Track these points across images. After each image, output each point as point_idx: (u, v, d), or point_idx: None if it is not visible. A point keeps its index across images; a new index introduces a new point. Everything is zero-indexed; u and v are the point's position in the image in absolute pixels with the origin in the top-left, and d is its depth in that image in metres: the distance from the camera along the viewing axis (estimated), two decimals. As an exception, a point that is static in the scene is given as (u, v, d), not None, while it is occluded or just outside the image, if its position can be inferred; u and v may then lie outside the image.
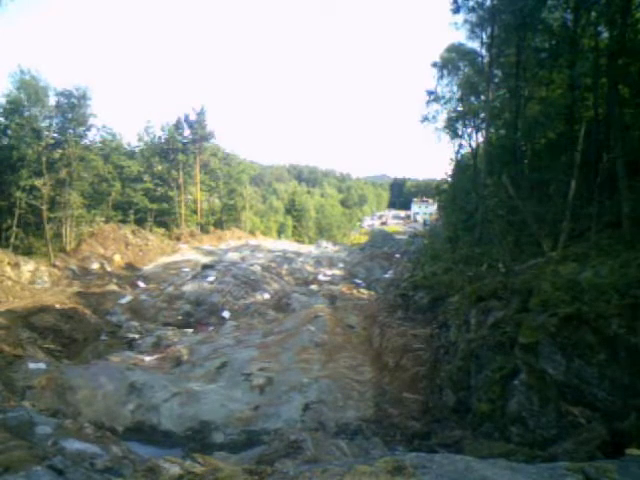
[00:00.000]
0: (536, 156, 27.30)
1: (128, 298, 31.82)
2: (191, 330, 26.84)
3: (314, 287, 36.86)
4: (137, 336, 24.95)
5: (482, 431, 10.69)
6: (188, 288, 33.58)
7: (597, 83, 21.77)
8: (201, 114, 69.19)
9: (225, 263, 41.19)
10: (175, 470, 6.50)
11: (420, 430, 12.44)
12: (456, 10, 31.66)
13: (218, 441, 13.84)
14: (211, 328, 27.02)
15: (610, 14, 19.74)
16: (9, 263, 33.32)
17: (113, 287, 34.59)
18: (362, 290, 35.22)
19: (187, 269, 42.45)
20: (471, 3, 31.04)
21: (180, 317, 29.72)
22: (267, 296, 34.03)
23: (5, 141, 44.54)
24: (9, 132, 44.17)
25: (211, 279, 35.15)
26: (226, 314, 29.86)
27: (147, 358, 21.11)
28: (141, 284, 37.66)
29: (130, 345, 23.76)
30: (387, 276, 42.62)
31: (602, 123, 21.30)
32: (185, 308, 30.83)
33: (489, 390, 11.00)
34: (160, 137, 68.05)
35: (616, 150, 17.29)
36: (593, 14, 22.52)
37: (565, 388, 9.57)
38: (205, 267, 39.19)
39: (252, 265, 41.23)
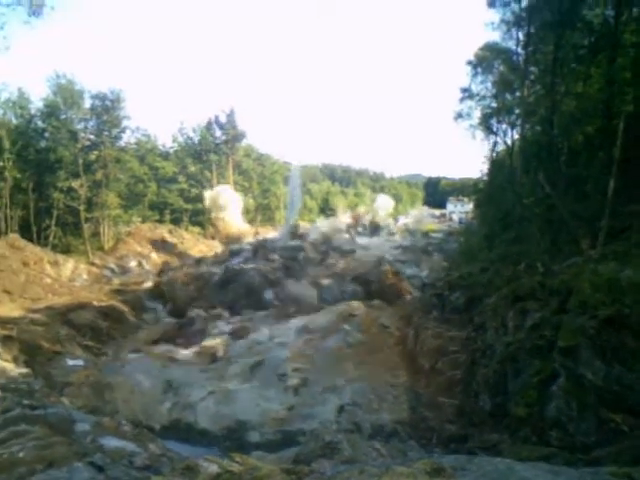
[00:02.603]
0: (573, 153, 26.66)
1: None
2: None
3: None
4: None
5: (520, 435, 10.49)
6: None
7: (638, 77, 21.26)
8: (231, 115, 69.88)
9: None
10: (213, 468, 6.54)
11: (456, 433, 12.27)
12: (491, 4, 31.54)
13: (254, 440, 13.94)
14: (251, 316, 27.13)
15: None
16: (49, 261, 34.26)
17: (150, 284, 35.11)
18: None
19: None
20: (507, -1, 30.91)
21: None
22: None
23: (43, 144, 45.93)
24: (47, 135, 45.46)
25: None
26: (269, 296, 30.20)
27: (184, 352, 21.47)
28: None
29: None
30: (423, 274, 42.16)
31: (642, 118, 20.75)
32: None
33: (526, 394, 10.77)
34: (192, 138, 68.92)
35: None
36: (635, 10, 22.24)
37: (605, 394, 9.31)
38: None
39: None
